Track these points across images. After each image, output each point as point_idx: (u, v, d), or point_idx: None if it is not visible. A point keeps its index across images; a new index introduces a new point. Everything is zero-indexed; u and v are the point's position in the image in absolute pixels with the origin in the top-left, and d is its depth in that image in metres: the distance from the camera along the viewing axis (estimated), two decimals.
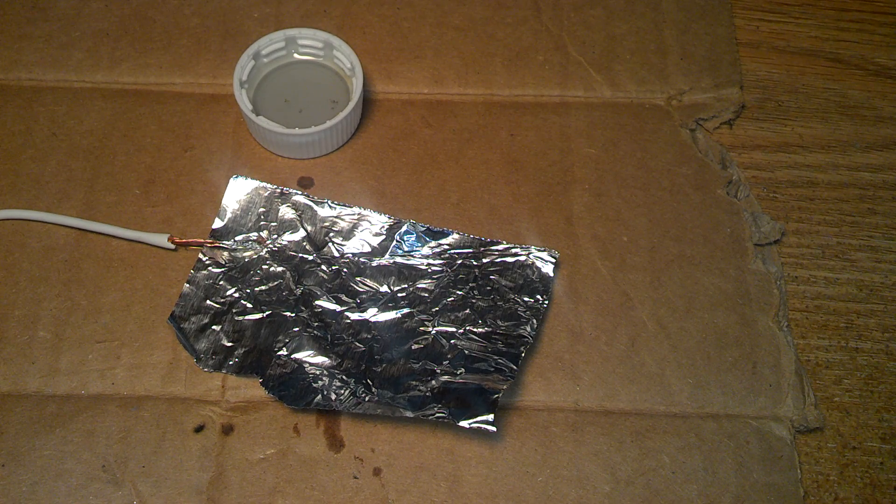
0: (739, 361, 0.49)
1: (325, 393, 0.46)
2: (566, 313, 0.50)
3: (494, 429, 0.44)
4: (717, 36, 0.59)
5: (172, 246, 0.50)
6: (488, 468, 0.46)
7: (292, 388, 0.46)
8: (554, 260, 0.50)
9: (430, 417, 0.45)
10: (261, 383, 0.47)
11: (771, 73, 0.58)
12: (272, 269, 0.50)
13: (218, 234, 0.50)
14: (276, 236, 0.51)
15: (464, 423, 0.44)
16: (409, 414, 0.45)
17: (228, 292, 0.49)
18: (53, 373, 0.47)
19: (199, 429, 0.46)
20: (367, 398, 0.46)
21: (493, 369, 0.46)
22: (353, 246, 0.51)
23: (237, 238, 0.50)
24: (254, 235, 0.50)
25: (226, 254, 0.50)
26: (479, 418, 0.44)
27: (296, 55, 0.56)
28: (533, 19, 0.59)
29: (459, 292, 0.49)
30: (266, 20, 0.58)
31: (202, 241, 0.50)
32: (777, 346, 0.49)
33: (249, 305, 0.49)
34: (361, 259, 0.50)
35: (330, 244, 0.51)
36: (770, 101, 0.57)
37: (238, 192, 0.52)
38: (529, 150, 0.54)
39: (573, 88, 0.57)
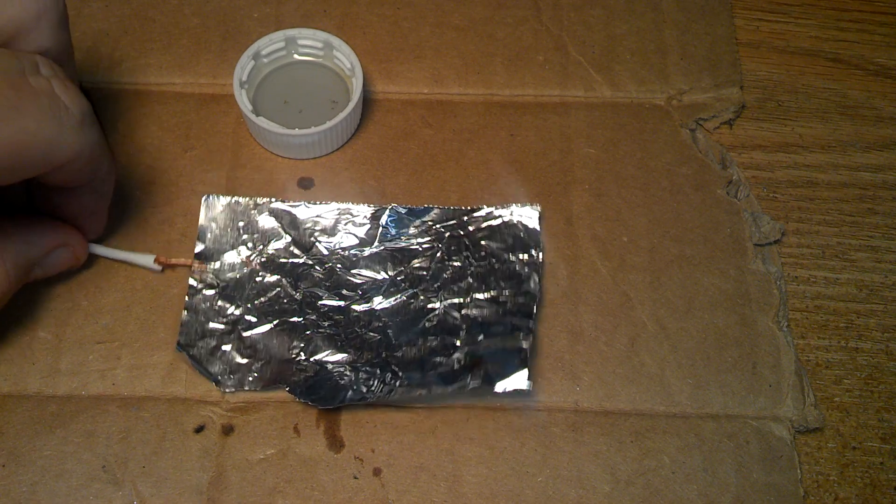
0: (739, 361, 0.49)
1: (356, 387, 0.46)
2: (566, 313, 0.50)
3: (528, 386, 0.44)
4: (717, 36, 0.59)
5: (159, 268, 0.49)
6: (488, 468, 0.46)
7: (322, 390, 0.46)
8: (537, 212, 0.50)
9: (466, 389, 0.45)
10: (288, 391, 0.46)
11: (771, 73, 0.58)
12: (266, 279, 0.49)
13: (202, 257, 0.49)
14: (262, 247, 0.50)
15: (498, 388, 0.44)
16: (443, 389, 0.45)
17: (229, 311, 0.48)
18: (54, 373, 0.47)
19: (199, 429, 0.46)
20: (397, 383, 0.46)
21: (510, 330, 0.47)
22: (341, 241, 0.51)
23: (224, 258, 0.49)
24: (238, 258, 0.49)
25: (211, 275, 0.49)
26: (511, 378, 0.44)
27: (296, 55, 0.56)
28: (533, 19, 0.59)
29: (456, 263, 0.49)
30: (266, 20, 0.58)
31: (189, 263, 0.49)
32: (777, 346, 0.49)
33: (254, 319, 0.48)
34: (352, 252, 0.50)
35: (317, 244, 0.50)
36: (770, 101, 0.57)
37: (212, 210, 0.50)
38: (529, 150, 0.54)
39: (573, 88, 0.57)
